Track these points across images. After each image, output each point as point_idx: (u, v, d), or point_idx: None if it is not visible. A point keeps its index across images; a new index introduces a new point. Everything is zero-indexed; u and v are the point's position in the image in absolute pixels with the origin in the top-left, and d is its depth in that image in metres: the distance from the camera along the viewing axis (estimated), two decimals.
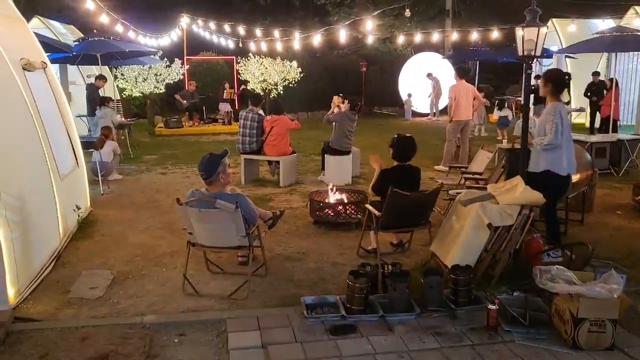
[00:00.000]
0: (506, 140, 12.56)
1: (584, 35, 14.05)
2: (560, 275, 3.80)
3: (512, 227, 4.60)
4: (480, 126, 15.15)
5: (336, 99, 9.63)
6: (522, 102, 5.39)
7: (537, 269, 3.96)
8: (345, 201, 6.63)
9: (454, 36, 20.11)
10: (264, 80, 18.20)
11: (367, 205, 5.25)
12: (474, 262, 4.58)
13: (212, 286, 4.79)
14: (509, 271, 4.69)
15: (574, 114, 16.01)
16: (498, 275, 4.62)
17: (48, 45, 9.45)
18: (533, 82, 15.40)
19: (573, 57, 15.36)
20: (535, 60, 5.47)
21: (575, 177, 5.98)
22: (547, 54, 13.94)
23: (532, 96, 15.27)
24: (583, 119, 16.61)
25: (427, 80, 19.88)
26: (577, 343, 3.62)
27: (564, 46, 15.93)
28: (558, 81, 5.39)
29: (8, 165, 4.47)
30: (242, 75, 18.69)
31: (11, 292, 4.16)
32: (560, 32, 17.61)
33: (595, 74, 14.39)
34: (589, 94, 14.51)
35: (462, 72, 10.43)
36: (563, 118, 5.16)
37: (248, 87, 18.22)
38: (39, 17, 16.02)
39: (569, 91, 14.90)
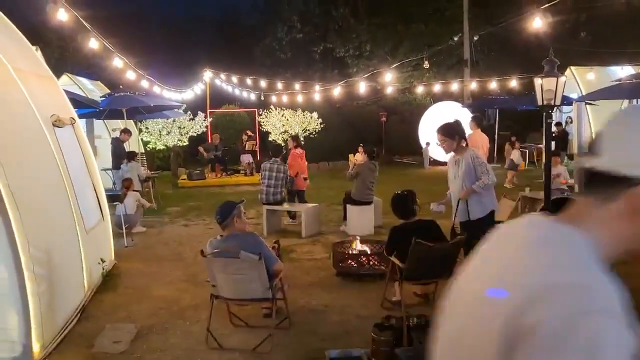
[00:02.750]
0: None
1: (603, 82, 14.05)
2: None
3: None
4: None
5: (352, 157, 9.78)
6: (544, 149, 5.43)
7: None
8: (369, 252, 6.59)
9: (473, 85, 20.33)
10: (285, 132, 18.49)
11: (391, 257, 5.21)
12: None
13: (235, 340, 4.75)
14: None
15: None
16: None
17: (76, 101, 9.76)
18: (554, 129, 15.40)
19: (593, 104, 15.35)
20: (555, 108, 5.50)
21: None
22: (566, 101, 13.95)
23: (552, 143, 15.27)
24: None
25: None
26: None
27: (583, 93, 15.95)
28: (460, 131, 5.61)
29: (37, 219, 4.57)
30: (263, 126, 19.03)
31: (36, 347, 4.17)
32: (579, 79, 17.68)
33: None
34: None
35: (479, 122, 10.42)
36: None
37: (270, 139, 18.49)
38: (68, 74, 16.62)
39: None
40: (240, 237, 4.66)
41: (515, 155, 14.60)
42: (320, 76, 27.28)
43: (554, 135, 15.05)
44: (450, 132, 5.49)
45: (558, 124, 15.99)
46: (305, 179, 9.90)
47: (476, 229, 5.27)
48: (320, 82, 20.39)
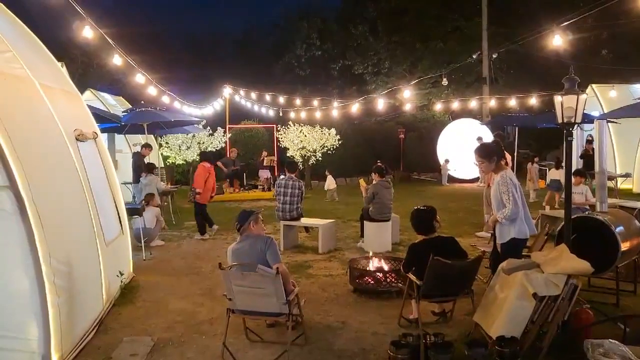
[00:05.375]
0: (548, 207, 12.18)
1: (625, 100, 13.89)
2: (615, 349, 3.62)
3: (559, 297, 4.45)
4: (534, 191, 14.89)
5: (362, 182, 9.77)
6: (564, 167, 5.34)
7: (588, 342, 3.79)
8: (386, 269, 6.55)
9: (492, 103, 20.26)
10: (303, 148, 18.56)
11: (409, 274, 5.18)
12: (519, 334, 4.41)
13: (251, 355, 4.74)
14: (557, 344, 4.48)
15: (619, 179, 15.67)
16: (546, 348, 4.42)
17: (99, 116, 9.92)
18: (585, 147, 15.16)
19: (615, 122, 15.19)
20: (576, 126, 5.44)
21: (625, 245, 5.79)
22: (587, 119, 13.78)
23: (582, 161, 14.96)
24: (630, 184, 16.22)
25: (467, 145, 19.82)
26: None
27: (605, 111, 15.79)
28: (498, 151, 5.44)
29: (58, 231, 4.63)
30: (281, 142, 19.15)
31: (55, 357, 4.20)
32: (601, 97, 17.53)
33: None
34: None
35: (500, 139, 10.42)
36: (515, 184, 5.19)
37: (287, 154, 18.58)
38: (92, 89, 16.93)
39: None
40: (254, 237, 4.96)
41: (558, 175, 13.86)
42: (338, 93, 27.46)
43: (590, 153, 14.78)
44: (487, 153, 5.39)
45: (589, 142, 15.68)
46: (198, 193, 10.10)
47: (503, 253, 5.23)
48: (339, 99, 20.51)
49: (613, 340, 3.75)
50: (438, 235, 5.38)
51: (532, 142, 23.00)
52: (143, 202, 9.63)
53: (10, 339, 4.04)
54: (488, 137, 19.23)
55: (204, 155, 11.13)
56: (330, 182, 16.09)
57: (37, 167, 4.56)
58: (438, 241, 5.29)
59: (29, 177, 4.20)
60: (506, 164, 5.54)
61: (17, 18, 5.89)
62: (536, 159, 16.17)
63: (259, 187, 17.25)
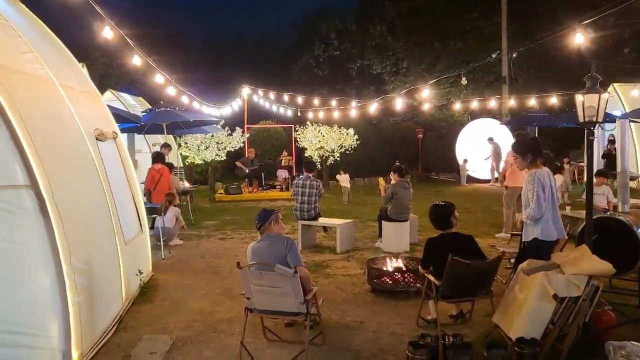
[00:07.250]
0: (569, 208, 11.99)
1: None
2: (637, 352, 3.57)
3: (580, 299, 4.39)
4: (565, 193, 14.68)
5: (382, 180, 9.72)
6: (585, 167, 5.25)
7: (610, 344, 3.73)
8: (404, 269, 6.52)
9: (511, 102, 20.06)
10: (321, 147, 18.56)
11: (427, 274, 5.15)
12: (539, 335, 4.36)
13: (269, 354, 4.75)
14: (578, 346, 4.42)
15: None
16: (567, 350, 4.36)
17: (119, 116, 10.02)
18: (608, 146, 14.91)
19: (638, 122, 14.92)
20: (597, 125, 5.35)
21: None
22: (609, 118, 13.56)
23: (604, 161, 14.73)
24: None
25: (485, 144, 19.71)
26: None
27: (627, 111, 15.53)
28: (534, 149, 5.20)
29: (79, 229, 4.68)
30: (300, 142, 19.17)
31: (75, 355, 4.24)
32: (623, 96, 17.24)
33: None
34: None
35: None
36: (544, 184, 5.00)
37: (305, 155, 18.59)
38: (112, 90, 17.11)
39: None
40: (274, 237, 4.94)
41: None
42: (356, 92, 27.43)
43: (613, 153, 14.55)
44: (522, 150, 5.22)
45: (611, 142, 15.40)
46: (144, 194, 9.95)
47: (527, 252, 5.16)
48: (357, 99, 20.46)
49: (636, 343, 3.69)
50: (456, 232, 5.34)
51: (551, 142, 22.68)
52: (166, 202, 9.67)
53: (31, 336, 4.09)
54: (506, 136, 19.08)
55: (157, 157, 10.94)
56: (343, 181, 15.82)
57: (57, 166, 4.62)
58: (455, 237, 5.26)
59: (50, 176, 4.25)
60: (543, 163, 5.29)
61: (38, 19, 5.98)
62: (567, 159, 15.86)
63: (277, 186, 17.30)
